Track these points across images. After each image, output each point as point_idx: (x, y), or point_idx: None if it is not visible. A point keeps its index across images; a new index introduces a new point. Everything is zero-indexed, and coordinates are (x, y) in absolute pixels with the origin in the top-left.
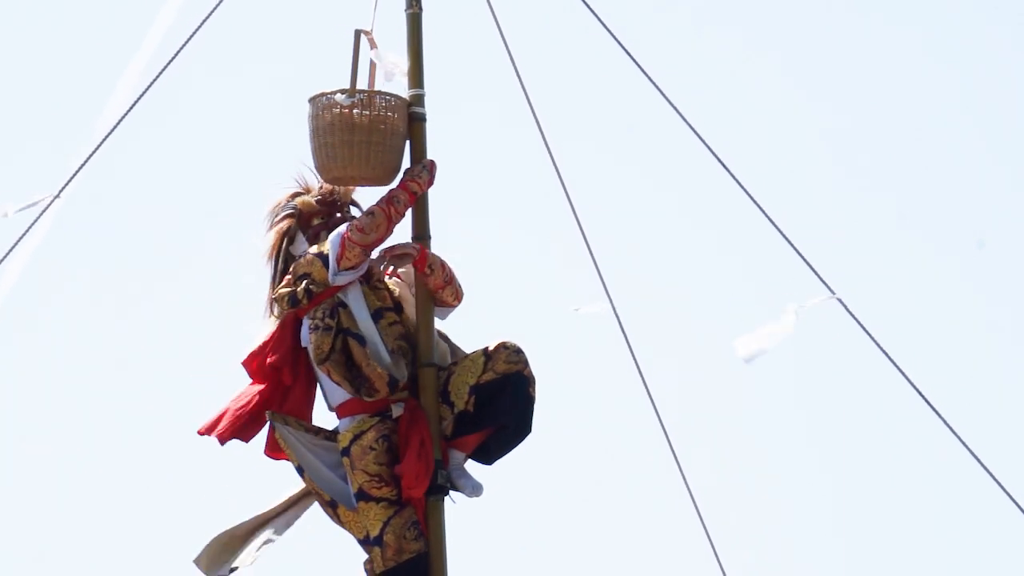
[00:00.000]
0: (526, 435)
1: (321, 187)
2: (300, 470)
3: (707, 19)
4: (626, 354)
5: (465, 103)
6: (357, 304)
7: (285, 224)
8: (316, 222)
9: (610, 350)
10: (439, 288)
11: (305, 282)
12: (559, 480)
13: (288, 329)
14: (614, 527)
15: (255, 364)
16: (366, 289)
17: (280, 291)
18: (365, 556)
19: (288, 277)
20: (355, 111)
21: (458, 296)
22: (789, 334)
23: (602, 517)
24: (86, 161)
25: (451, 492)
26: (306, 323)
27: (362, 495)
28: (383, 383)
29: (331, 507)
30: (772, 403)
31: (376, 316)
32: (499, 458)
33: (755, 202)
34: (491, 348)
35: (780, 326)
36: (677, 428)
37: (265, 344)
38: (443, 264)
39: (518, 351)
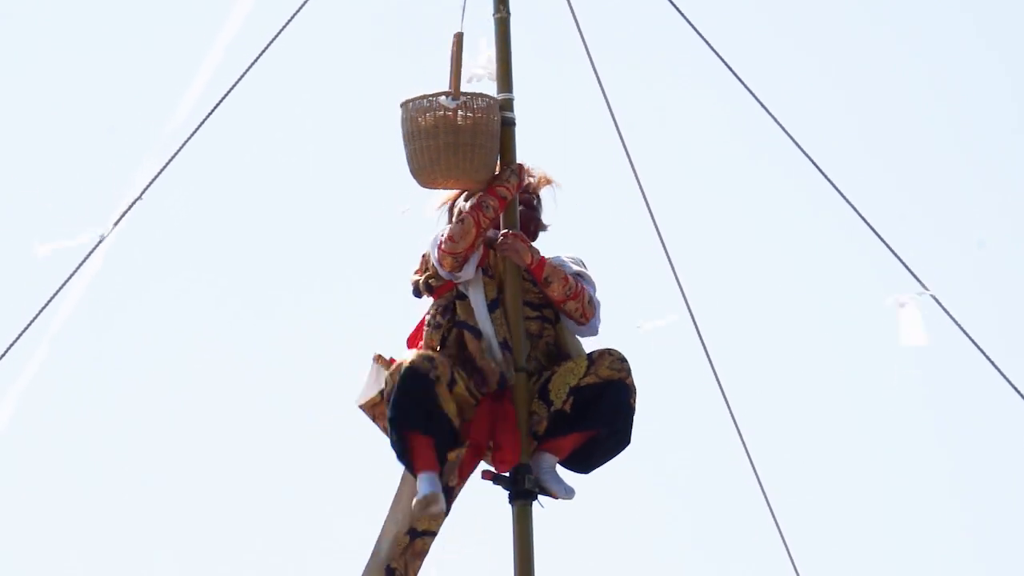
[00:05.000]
0: (625, 445)
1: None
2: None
3: (792, 19)
4: (705, 364)
5: (550, 107)
6: (476, 296)
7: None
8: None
9: (689, 360)
10: (560, 301)
11: (425, 275)
12: (638, 491)
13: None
14: (692, 539)
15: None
16: (486, 279)
17: (412, 278)
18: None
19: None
20: (459, 113)
21: (584, 314)
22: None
23: (680, 530)
24: (166, 165)
25: (539, 497)
26: None
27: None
28: (495, 379)
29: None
30: (856, 411)
31: (492, 307)
32: (597, 467)
33: (845, 198)
34: (596, 353)
35: (907, 316)
36: (755, 437)
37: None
38: (566, 278)
39: (623, 359)
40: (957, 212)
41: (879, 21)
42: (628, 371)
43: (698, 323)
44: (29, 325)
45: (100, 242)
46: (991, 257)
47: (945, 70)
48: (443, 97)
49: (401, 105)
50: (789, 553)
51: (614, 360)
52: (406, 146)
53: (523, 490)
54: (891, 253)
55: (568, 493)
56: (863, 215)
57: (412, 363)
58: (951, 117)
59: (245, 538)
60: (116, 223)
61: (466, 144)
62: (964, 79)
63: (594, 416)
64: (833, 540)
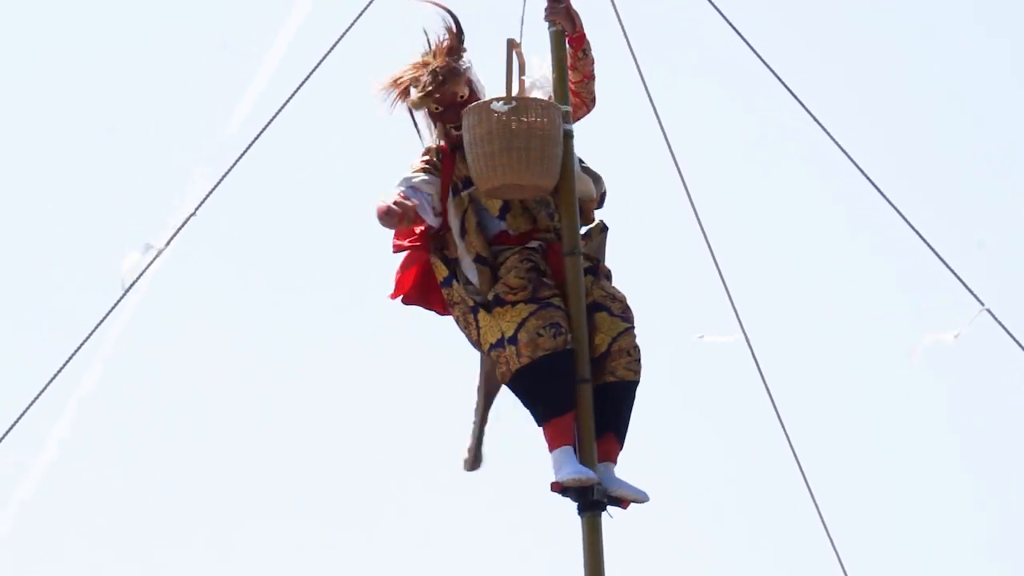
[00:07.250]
0: None
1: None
2: (451, 278)
3: (837, 20)
4: (759, 383)
5: (599, 115)
6: (456, 221)
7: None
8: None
9: (742, 379)
10: (586, 78)
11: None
12: (692, 505)
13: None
14: (745, 557)
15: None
16: (458, 201)
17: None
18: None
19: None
20: (512, 118)
21: (594, 100)
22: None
23: (733, 547)
24: (222, 179)
25: (608, 508)
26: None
27: (498, 301)
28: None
29: (474, 313)
30: (912, 430)
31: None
32: None
33: (900, 214)
34: (615, 346)
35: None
36: (811, 457)
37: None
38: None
39: (639, 360)
40: (957, 212)
41: (893, 21)
42: (639, 371)
43: (747, 330)
44: (83, 344)
45: (156, 257)
46: (991, 257)
47: (951, 69)
48: (496, 102)
49: (463, 113)
50: (843, 569)
51: (632, 361)
52: (467, 154)
53: (592, 501)
54: (948, 269)
55: (643, 495)
56: (918, 230)
57: (558, 351)
58: (947, 115)
59: (280, 546)
60: (170, 240)
61: (520, 148)
62: (967, 78)
63: (619, 419)
64: (888, 554)
